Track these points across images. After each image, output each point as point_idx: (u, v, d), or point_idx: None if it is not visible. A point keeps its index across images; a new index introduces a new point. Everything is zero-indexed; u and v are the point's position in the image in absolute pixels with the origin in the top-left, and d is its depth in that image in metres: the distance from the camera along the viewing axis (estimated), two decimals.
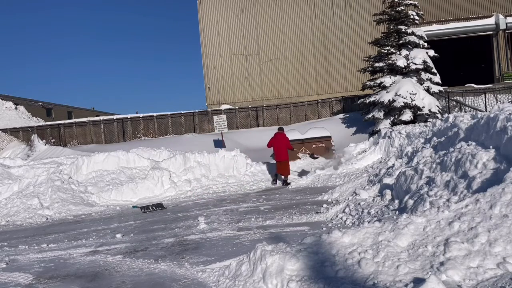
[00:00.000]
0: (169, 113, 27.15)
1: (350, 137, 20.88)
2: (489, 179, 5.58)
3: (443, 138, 9.28)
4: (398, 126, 16.64)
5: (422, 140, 11.87)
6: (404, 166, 9.25)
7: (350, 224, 7.13)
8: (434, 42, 24.97)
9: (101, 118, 29.84)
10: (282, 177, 13.81)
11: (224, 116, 19.83)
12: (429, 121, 16.35)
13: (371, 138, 17.05)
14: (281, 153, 13.83)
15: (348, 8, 29.91)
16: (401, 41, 20.41)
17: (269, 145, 14.31)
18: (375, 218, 6.75)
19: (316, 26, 30.20)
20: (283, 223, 7.85)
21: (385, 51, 20.30)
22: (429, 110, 18.81)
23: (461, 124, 8.44)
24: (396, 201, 7.41)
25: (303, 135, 17.53)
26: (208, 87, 30.99)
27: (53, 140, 26.67)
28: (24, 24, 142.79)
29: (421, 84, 19.84)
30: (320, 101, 26.76)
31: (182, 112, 27.11)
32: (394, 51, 20.29)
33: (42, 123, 31.97)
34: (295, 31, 30.36)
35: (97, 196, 13.22)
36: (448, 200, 5.63)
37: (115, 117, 29.15)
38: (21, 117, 33.80)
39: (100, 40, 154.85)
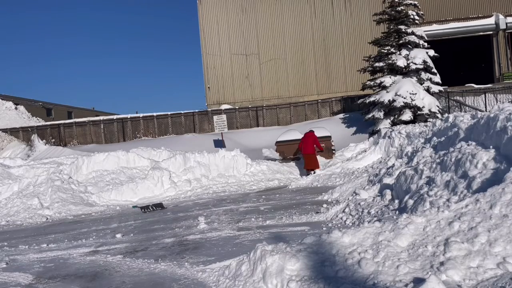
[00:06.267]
0: (169, 113, 27.14)
1: (350, 137, 20.88)
2: (489, 179, 5.58)
3: (443, 138, 9.29)
4: (398, 126, 16.64)
5: (422, 140, 11.88)
6: (404, 166, 9.25)
7: (350, 224, 7.13)
8: (434, 42, 24.96)
9: (101, 118, 29.83)
10: (312, 172, 14.36)
11: (224, 116, 19.80)
12: (429, 121, 16.36)
13: (371, 138, 17.06)
14: (307, 147, 14.74)
15: (348, 8, 29.90)
16: (401, 41, 20.40)
17: (300, 147, 15.41)
18: (375, 218, 6.75)
19: (316, 26, 30.18)
20: (283, 223, 7.85)
21: (385, 51, 20.29)
22: (429, 110, 18.81)
23: (461, 124, 8.44)
24: (396, 201, 7.41)
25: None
26: (208, 87, 30.99)
27: (53, 140, 26.67)
28: (24, 24, 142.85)
29: (421, 84, 19.82)
30: (320, 101, 26.75)
31: (182, 112, 27.10)
32: (394, 51, 20.28)
33: (42, 123, 31.94)
34: (295, 31, 30.34)
35: (97, 196, 13.21)
36: (448, 200, 5.63)
37: (115, 117, 29.13)
38: (21, 117, 33.78)
39: (100, 40, 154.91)
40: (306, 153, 14.73)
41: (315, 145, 14.91)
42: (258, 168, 14.98)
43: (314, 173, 14.23)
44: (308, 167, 14.64)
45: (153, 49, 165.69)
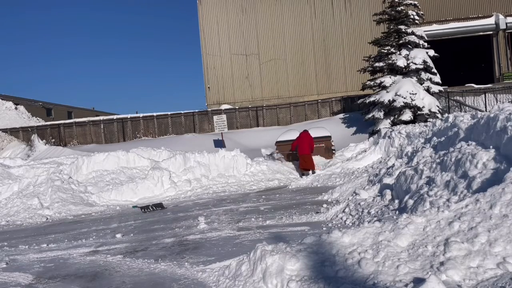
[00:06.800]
0: (169, 113, 27.15)
1: (350, 137, 20.88)
2: (489, 179, 5.58)
3: (443, 138, 9.29)
4: (398, 126, 16.64)
5: (422, 140, 11.89)
6: (404, 166, 9.25)
7: (350, 224, 7.13)
8: (434, 42, 24.96)
9: (101, 118, 29.83)
10: (310, 172, 14.30)
11: (224, 116, 19.80)
12: (429, 121, 16.35)
13: (371, 138, 17.06)
14: (304, 148, 14.66)
15: (348, 8, 29.90)
16: (401, 41, 20.40)
17: (292, 147, 15.27)
18: (375, 218, 6.75)
19: (316, 26, 30.18)
20: (283, 223, 7.85)
21: (385, 51, 20.29)
22: (429, 110, 18.81)
23: (461, 124, 8.44)
24: (396, 201, 7.41)
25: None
26: (208, 87, 30.99)
27: (53, 140, 26.67)
28: (24, 24, 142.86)
29: (421, 84, 19.82)
30: (320, 101, 26.75)
31: (182, 112, 27.10)
32: (394, 51, 20.28)
33: (42, 123, 31.95)
34: (295, 31, 30.34)
35: (97, 196, 13.21)
36: (448, 200, 5.63)
37: (115, 117, 29.14)
38: (21, 117, 33.79)
39: (100, 40, 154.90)
40: (302, 153, 14.70)
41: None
42: (258, 168, 14.98)
43: (313, 173, 14.23)
44: (304, 167, 14.61)
45: (153, 49, 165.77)
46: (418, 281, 3.68)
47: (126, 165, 15.09)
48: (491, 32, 27.87)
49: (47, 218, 11.33)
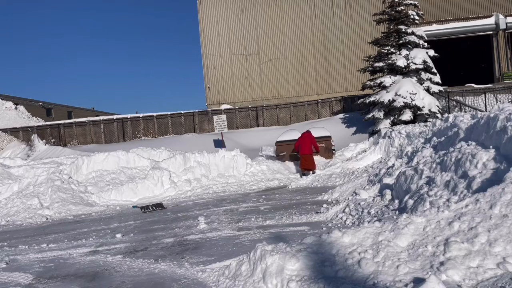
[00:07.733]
0: (169, 113, 27.15)
1: (350, 137, 20.88)
2: (489, 179, 5.58)
3: (443, 138, 9.29)
4: (398, 126, 16.64)
5: (422, 140, 11.89)
6: (404, 166, 9.25)
7: (350, 224, 7.13)
8: (434, 42, 24.96)
9: (101, 118, 29.84)
10: (311, 172, 14.31)
11: (224, 116, 19.80)
12: (429, 121, 16.35)
13: (371, 138, 17.06)
14: (305, 148, 14.64)
15: (348, 8, 29.90)
16: (401, 41, 20.40)
17: (296, 147, 15.14)
18: (375, 218, 6.75)
19: (316, 26, 30.19)
20: (283, 223, 7.85)
21: (385, 51, 20.29)
22: (429, 110, 18.81)
23: (461, 124, 8.44)
24: (396, 201, 7.41)
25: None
26: (208, 87, 30.99)
27: (53, 140, 26.67)
28: (24, 24, 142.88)
29: (421, 84, 19.83)
30: (320, 101, 26.75)
31: (182, 112, 27.11)
32: (394, 51, 20.28)
33: (42, 123, 31.97)
34: (295, 31, 30.35)
35: (97, 196, 13.21)
36: (448, 200, 5.63)
37: (115, 117, 29.15)
38: (21, 117, 33.80)
39: (100, 40, 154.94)
40: (303, 153, 14.69)
41: (312, 146, 14.90)
42: (258, 168, 14.98)
43: (313, 173, 14.23)
44: (305, 167, 14.60)
45: (153, 49, 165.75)
46: (418, 281, 3.68)
47: (126, 165, 15.09)
48: (491, 32, 27.86)
49: (47, 218, 11.33)
